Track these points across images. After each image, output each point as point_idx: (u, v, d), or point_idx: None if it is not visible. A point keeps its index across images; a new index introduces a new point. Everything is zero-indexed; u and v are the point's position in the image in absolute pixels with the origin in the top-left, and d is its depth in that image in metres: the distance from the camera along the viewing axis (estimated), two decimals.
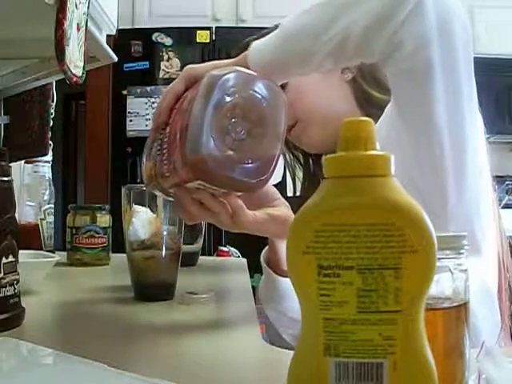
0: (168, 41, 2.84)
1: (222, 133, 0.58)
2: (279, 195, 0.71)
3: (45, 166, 1.32)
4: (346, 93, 0.92)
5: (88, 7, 0.93)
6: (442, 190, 0.66)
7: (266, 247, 0.80)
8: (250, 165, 0.60)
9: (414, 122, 0.66)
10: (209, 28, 2.87)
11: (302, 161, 1.04)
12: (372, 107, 0.90)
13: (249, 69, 0.64)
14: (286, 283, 0.76)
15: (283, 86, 0.78)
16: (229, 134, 0.59)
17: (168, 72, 2.82)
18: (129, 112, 2.81)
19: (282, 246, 0.74)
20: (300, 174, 1.06)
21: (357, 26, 0.61)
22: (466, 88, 0.65)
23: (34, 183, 1.29)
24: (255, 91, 0.61)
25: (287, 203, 0.71)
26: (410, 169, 0.65)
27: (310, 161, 1.04)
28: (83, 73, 0.94)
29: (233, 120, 0.59)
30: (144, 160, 0.69)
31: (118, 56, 1.25)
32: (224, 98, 0.58)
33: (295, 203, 0.75)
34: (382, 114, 0.78)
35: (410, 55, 0.61)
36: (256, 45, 0.67)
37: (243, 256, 2.02)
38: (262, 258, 0.81)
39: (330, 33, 0.62)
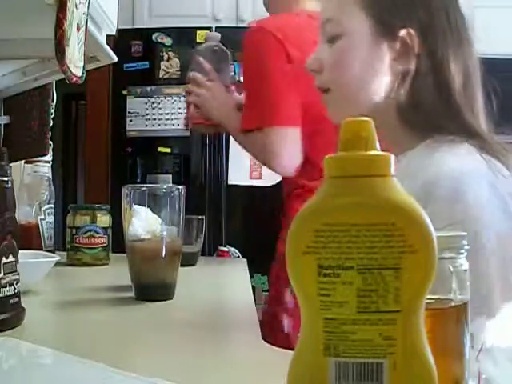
0: (168, 41, 2.84)
1: None
2: None
3: (45, 166, 1.32)
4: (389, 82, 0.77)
5: (88, 7, 0.93)
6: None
7: None
8: None
9: None
10: (209, 28, 2.87)
11: None
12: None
13: None
14: None
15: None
16: None
17: (168, 72, 2.82)
18: (129, 112, 2.81)
19: None
20: None
21: None
22: None
23: (33, 183, 1.29)
24: None
25: None
26: None
27: None
28: (83, 73, 0.93)
29: None
30: None
31: (117, 56, 1.25)
32: None
33: None
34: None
35: None
36: None
37: (243, 256, 2.01)
38: None
39: None
